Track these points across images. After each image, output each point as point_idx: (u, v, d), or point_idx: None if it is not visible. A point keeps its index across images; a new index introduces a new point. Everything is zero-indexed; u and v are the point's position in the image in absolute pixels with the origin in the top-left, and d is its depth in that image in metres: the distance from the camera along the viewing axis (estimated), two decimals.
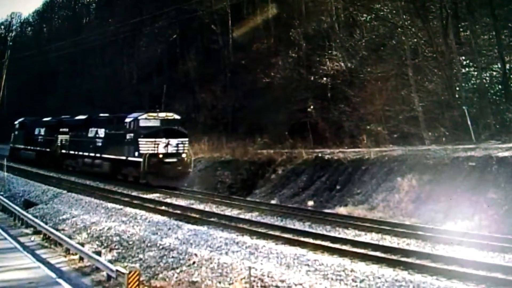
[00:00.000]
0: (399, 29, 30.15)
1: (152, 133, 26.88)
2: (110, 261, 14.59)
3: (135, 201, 23.48)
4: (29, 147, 44.15)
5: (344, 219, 18.50)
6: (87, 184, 30.11)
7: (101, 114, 34.74)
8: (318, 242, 15.25)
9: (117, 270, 12.77)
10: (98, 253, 15.14)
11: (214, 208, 21.71)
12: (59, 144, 37.46)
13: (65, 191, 26.54)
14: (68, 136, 36.75)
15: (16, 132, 49.19)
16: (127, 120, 28.35)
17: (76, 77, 66.55)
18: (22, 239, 19.28)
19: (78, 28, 73.63)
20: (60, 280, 13.88)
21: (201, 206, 22.21)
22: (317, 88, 33.77)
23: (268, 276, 12.05)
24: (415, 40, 28.79)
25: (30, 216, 21.31)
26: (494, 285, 11.16)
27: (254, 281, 11.95)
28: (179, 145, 26.91)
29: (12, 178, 33.57)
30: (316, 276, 11.87)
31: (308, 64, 35.61)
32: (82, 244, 16.47)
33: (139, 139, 26.80)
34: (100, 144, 31.44)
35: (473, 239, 14.72)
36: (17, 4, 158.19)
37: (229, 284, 12.33)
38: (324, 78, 33.47)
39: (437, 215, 17.95)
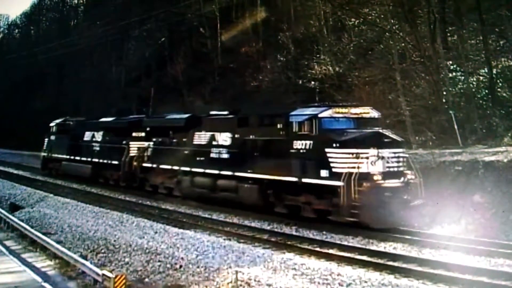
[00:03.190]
0: (387, 33, 30.28)
1: (353, 140, 17.01)
2: (96, 265, 14.48)
3: (121, 205, 23.40)
4: (78, 158, 32.80)
5: (331, 223, 18.52)
6: (73, 187, 29.94)
7: (215, 112, 24.09)
8: (305, 246, 15.31)
9: (103, 274, 12.69)
10: (84, 257, 15.07)
11: (200, 212, 21.71)
12: (135, 155, 27.27)
13: (51, 195, 26.38)
14: (150, 143, 26.44)
15: (53, 138, 37.27)
16: (295, 118, 18.25)
17: (64, 79, 66.15)
18: (7, 243, 19.08)
19: (66, 30, 73.30)
20: (45, 284, 13.76)
21: (188, 210, 22.24)
22: (305, 91, 33.81)
23: (254, 280, 12.04)
24: (403, 44, 28.95)
25: (16, 219, 21.10)
26: None
27: (240, 285, 11.93)
28: (400, 160, 17.45)
29: None
30: (303, 280, 11.88)
31: (296, 67, 35.69)
32: (68, 248, 16.37)
33: (330, 150, 16.87)
34: (225, 155, 21.47)
35: (460, 243, 14.79)
36: (4, 6, 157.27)
37: None
38: (312, 82, 33.54)
39: (423, 219, 18.01)
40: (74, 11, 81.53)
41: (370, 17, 32.67)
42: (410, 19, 27.78)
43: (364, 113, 18.33)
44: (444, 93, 25.81)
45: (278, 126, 18.98)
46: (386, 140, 17.36)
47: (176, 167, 24.05)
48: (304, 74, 34.02)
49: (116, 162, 28.50)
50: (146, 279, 13.65)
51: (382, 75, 29.34)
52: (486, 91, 25.91)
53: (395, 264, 13.12)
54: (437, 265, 12.78)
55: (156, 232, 17.11)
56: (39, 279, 14.24)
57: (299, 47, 36.64)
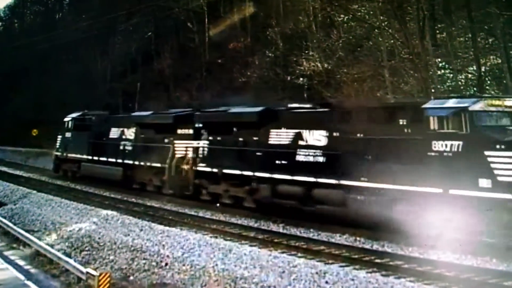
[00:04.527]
0: (376, 30, 30.27)
1: None
2: (80, 263, 14.27)
3: (106, 202, 23.15)
4: (103, 159, 28.29)
5: (318, 221, 18.40)
6: (57, 184, 29.56)
7: (295, 105, 20.04)
8: (292, 243, 15.19)
9: (87, 272, 12.50)
10: (68, 255, 14.85)
11: (186, 209, 21.52)
12: (183, 156, 22.83)
13: (34, 191, 26.04)
14: (204, 142, 21.95)
15: (68, 135, 32.39)
16: (433, 112, 14.54)
17: (48, 74, 65.29)
18: None
19: (51, 24, 72.28)
20: (28, 282, 13.56)
21: (174, 208, 22.05)
22: (294, 88, 33.74)
23: (241, 278, 11.91)
24: (392, 41, 28.94)
25: None
26: (467, 287, 11.22)
27: (227, 283, 11.80)
28: None
29: None
30: (289, 278, 11.76)
31: (284, 64, 35.56)
32: (52, 246, 16.13)
33: (492, 153, 13.35)
34: (321, 159, 17.39)
35: (447, 241, 14.71)
36: None
37: (202, 286, 12.14)
38: (301, 79, 33.47)
39: None
40: (59, 4, 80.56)
41: (359, 14, 32.63)
42: (399, 16, 27.76)
43: None
44: (433, 90, 25.79)
45: (401, 122, 15.33)
46: None
47: (248, 173, 19.62)
48: (293, 70, 33.89)
49: (157, 165, 23.89)
50: (131, 277, 13.47)
51: (370, 72, 29.30)
52: (475, 88, 25.99)
53: (383, 261, 13.04)
54: (424, 263, 12.70)
55: (141, 230, 16.92)
56: (22, 277, 14.04)
57: (287, 43, 36.47)
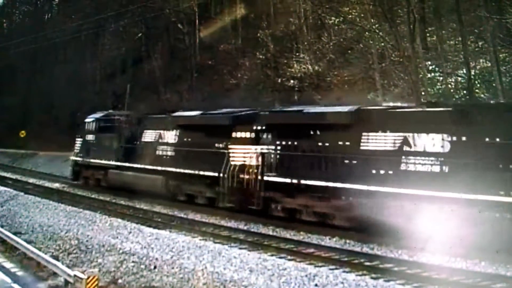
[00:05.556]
0: (366, 32, 30.32)
1: None
2: (68, 266, 14.10)
3: (95, 204, 22.98)
4: (137, 166, 24.61)
5: (308, 224, 18.37)
6: (45, 186, 29.27)
7: (393, 103, 17.89)
8: (282, 246, 15.12)
9: (75, 275, 12.34)
10: (56, 258, 14.68)
11: (176, 212, 21.40)
12: (244, 164, 19.30)
13: (21, 193, 25.76)
14: (269, 147, 18.63)
15: (91, 137, 28.77)
16: None
17: (36, 74, 64.81)
18: None
19: (40, 24, 71.76)
20: (15, 285, 13.30)
21: (163, 210, 21.93)
22: (284, 90, 33.76)
23: (230, 281, 11.82)
24: (382, 44, 29.02)
25: None
26: None
27: (216, 286, 11.71)
28: None
29: None
30: (279, 281, 11.69)
31: (275, 66, 35.59)
32: (39, 248, 15.93)
33: None
34: (437, 168, 14.31)
35: (436, 244, 14.72)
36: None
37: None
38: (291, 81, 33.49)
39: None
40: (49, 5, 80.00)
41: (350, 16, 32.69)
42: (389, 18, 27.83)
43: None
44: (423, 93, 25.87)
45: None
46: None
47: (339, 185, 16.14)
48: (283, 72, 33.93)
49: (211, 174, 20.35)
50: (120, 280, 13.31)
51: (361, 75, 29.41)
52: (464, 92, 26.09)
53: (372, 264, 13.01)
54: (414, 266, 12.67)
55: (130, 232, 16.78)
56: (8, 280, 13.80)
57: (278, 45, 36.52)
